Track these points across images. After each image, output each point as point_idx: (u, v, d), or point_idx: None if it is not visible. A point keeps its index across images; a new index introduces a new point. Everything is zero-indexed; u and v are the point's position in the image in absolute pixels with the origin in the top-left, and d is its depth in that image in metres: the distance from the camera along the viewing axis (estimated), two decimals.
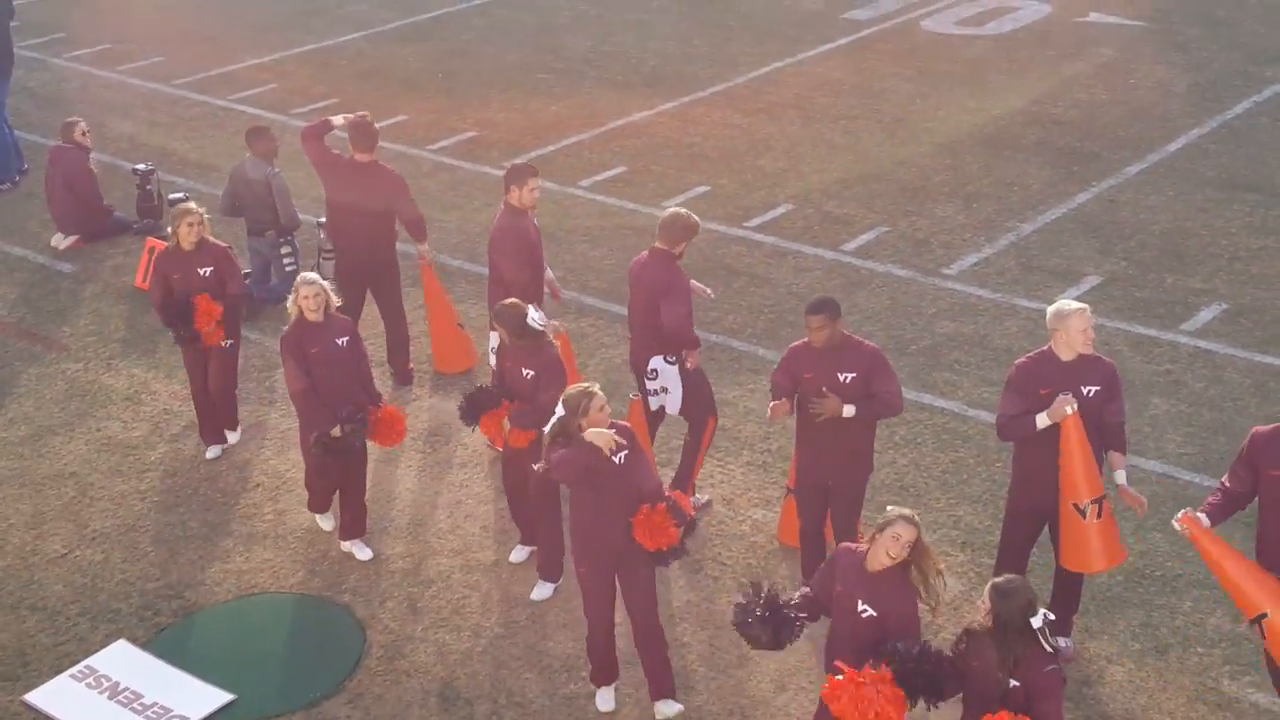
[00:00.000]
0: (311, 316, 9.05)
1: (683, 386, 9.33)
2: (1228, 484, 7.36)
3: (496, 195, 14.48)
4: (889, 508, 6.80)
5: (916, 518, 6.68)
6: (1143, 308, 12.14)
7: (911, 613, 6.66)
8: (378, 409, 9.23)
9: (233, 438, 10.61)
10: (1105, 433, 7.93)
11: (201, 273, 10.05)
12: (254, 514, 9.90)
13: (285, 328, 9.14)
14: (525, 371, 8.65)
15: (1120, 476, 7.94)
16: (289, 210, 11.79)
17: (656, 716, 7.95)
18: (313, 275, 9.24)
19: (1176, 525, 7.25)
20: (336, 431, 8.93)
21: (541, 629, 8.72)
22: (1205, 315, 11.98)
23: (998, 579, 6.43)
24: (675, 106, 17.11)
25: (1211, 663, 8.21)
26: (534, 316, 8.67)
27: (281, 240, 11.82)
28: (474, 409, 8.88)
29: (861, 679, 6.43)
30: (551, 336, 9.04)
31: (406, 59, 19.18)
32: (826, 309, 8.15)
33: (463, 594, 9.05)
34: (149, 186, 14.12)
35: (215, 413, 10.48)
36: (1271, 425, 7.31)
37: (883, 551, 6.62)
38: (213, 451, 10.48)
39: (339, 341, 9.09)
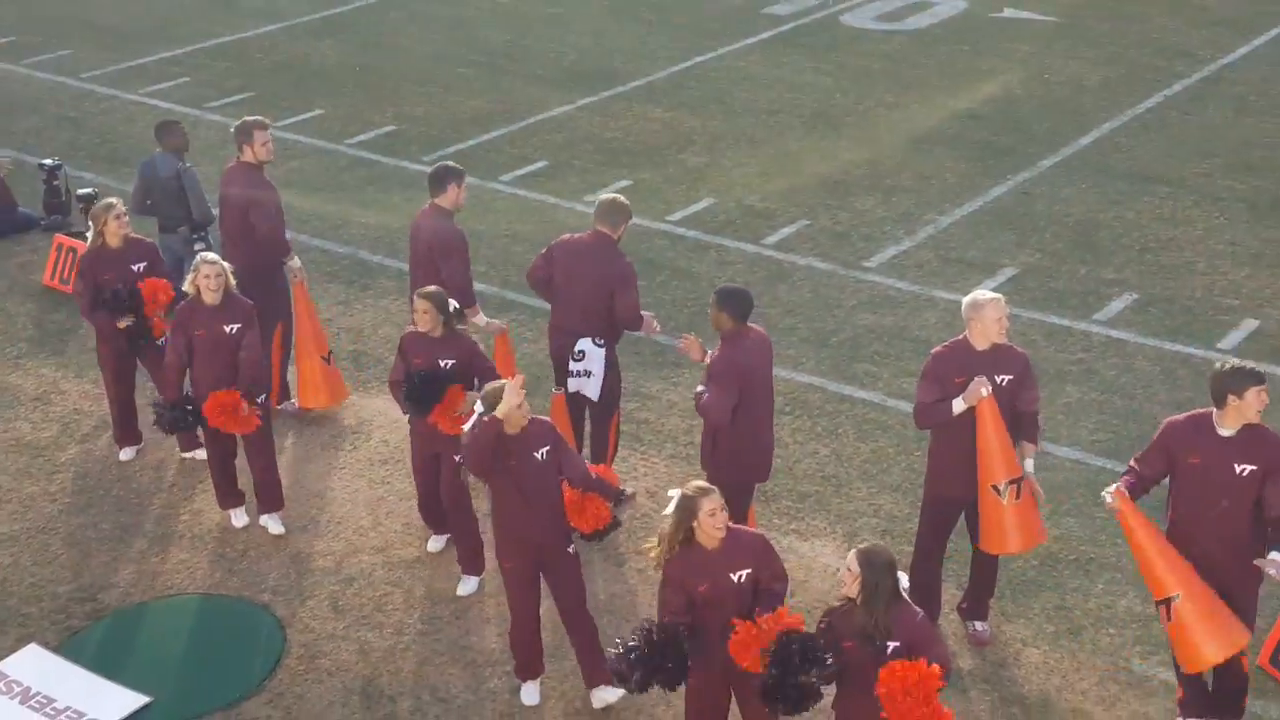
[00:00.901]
0: (209, 298, 8.98)
1: (605, 374, 9.35)
2: (1139, 468, 7.48)
3: (416, 190, 14.42)
4: (670, 492, 6.87)
5: (703, 483, 6.81)
6: (1056, 298, 12.31)
7: (768, 547, 6.87)
8: (246, 399, 9.01)
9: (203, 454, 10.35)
10: (1019, 421, 8.04)
11: (136, 269, 9.88)
12: (169, 514, 9.76)
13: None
14: (443, 362, 8.60)
15: (1028, 465, 8.05)
16: (202, 205, 11.60)
17: (594, 703, 7.96)
18: (214, 255, 9.18)
19: (1107, 497, 7.33)
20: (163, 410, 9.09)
21: (465, 625, 8.68)
22: (1117, 305, 12.18)
23: (861, 546, 6.50)
24: (596, 101, 17.09)
25: (1123, 643, 8.36)
26: (456, 304, 8.74)
27: (195, 236, 11.62)
28: (424, 400, 8.61)
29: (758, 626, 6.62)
30: (493, 337, 9.44)
31: (323, 52, 19.00)
32: (717, 295, 8.31)
33: (385, 591, 8.99)
34: (56, 182, 13.88)
35: (136, 414, 10.28)
36: (1185, 414, 7.46)
37: (713, 530, 6.71)
38: (126, 454, 10.32)
39: (227, 328, 9.01)
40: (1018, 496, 7.88)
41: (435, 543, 9.29)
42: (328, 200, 14.38)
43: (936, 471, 8.20)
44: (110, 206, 9.89)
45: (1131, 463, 7.55)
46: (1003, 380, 7.88)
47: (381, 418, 10.69)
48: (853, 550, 6.46)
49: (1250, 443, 7.18)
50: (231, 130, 10.85)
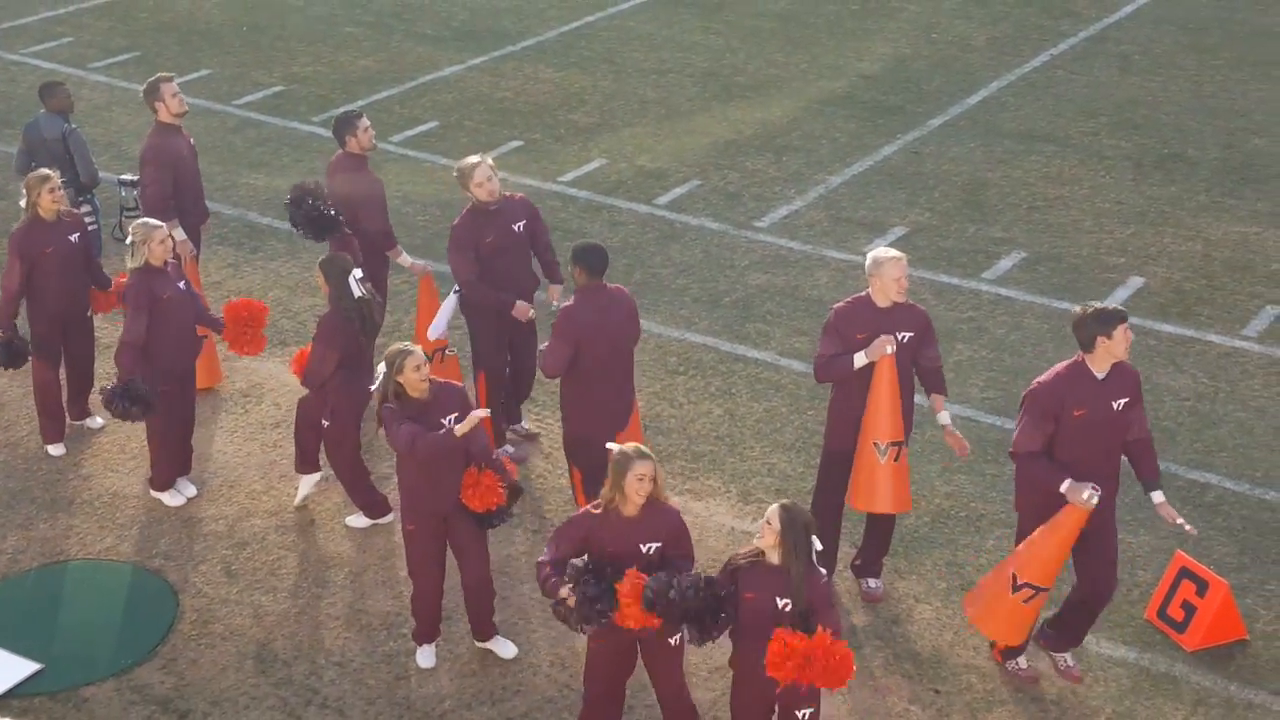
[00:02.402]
0: (160, 263, 8.92)
1: (449, 316, 9.43)
2: (1040, 446, 7.42)
3: (306, 151, 14.27)
4: (611, 445, 6.79)
5: (645, 449, 6.74)
6: (946, 257, 12.49)
7: (684, 527, 6.85)
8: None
9: (94, 422, 10.14)
10: (925, 377, 8.18)
11: (72, 240, 9.52)
12: (58, 480, 9.59)
13: (129, 280, 8.90)
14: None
15: (944, 417, 8.20)
16: (89, 167, 11.38)
17: (502, 654, 8.07)
18: (156, 220, 9.12)
19: (1094, 500, 7.19)
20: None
21: (360, 588, 8.65)
22: (1005, 264, 12.39)
23: (784, 502, 6.51)
24: (486, 61, 16.96)
25: None
26: (356, 278, 8.70)
27: (81, 199, 11.40)
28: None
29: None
30: (419, 279, 9.83)
31: (209, 11, 18.61)
32: (572, 251, 8.48)
33: (279, 555, 8.92)
34: None
35: (79, 395, 10.02)
36: (1051, 373, 7.56)
37: (634, 495, 6.67)
38: (56, 449, 9.88)
39: (181, 285, 9.09)
40: (896, 459, 7.99)
41: (305, 485, 9.30)
42: (215, 162, 14.11)
43: (836, 425, 8.26)
44: (46, 179, 9.42)
45: (1025, 449, 7.41)
46: (904, 337, 8.00)
47: (273, 381, 10.58)
48: (774, 505, 6.47)
49: (1119, 378, 7.43)
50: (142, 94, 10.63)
